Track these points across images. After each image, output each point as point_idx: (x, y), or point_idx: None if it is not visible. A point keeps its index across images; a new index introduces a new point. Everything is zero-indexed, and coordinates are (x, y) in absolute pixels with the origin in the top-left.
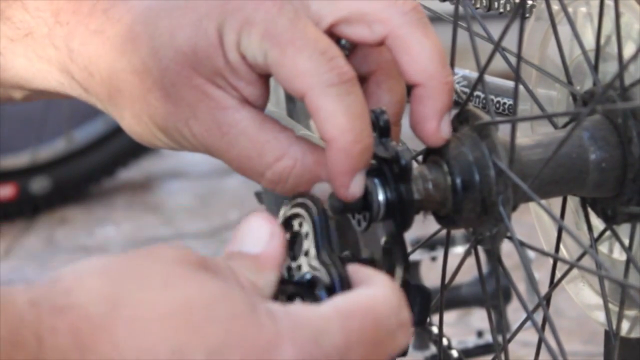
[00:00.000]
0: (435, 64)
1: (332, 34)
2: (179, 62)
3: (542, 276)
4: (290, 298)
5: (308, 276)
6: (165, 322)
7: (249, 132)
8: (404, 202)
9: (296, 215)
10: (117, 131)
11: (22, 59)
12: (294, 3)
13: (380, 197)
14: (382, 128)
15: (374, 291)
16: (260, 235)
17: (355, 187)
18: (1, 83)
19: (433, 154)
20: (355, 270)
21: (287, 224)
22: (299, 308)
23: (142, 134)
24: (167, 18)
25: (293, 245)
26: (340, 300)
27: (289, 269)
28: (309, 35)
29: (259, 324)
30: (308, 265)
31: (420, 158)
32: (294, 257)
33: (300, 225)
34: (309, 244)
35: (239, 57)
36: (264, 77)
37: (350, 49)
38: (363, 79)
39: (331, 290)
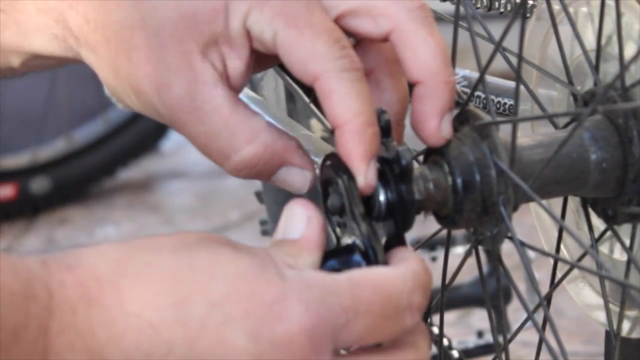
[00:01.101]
0: (438, 62)
1: (338, 26)
2: (176, 22)
3: (542, 276)
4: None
5: (348, 241)
6: (169, 278)
7: (222, 111)
8: (404, 202)
9: (331, 179)
10: (117, 131)
11: (22, 15)
12: None
13: (381, 197)
14: (383, 128)
15: (392, 270)
16: (298, 221)
17: (371, 175)
18: (1, 46)
19: (434, 154)
20: (396, 250)
21: (327, 183)
22: (313, 272)
23: (116, 90)
24: None
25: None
26: (356, 272)
27: (338, 224)
28: (325, 22)
29: (266, 281)
30: (349, 225)
31: (421, 158)
32: (340, 213)
33: (337, 185)
34: (347, 205)
35: (241, 28)
36: (254, 57)
37: (352, 45)
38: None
39: (366, 256)
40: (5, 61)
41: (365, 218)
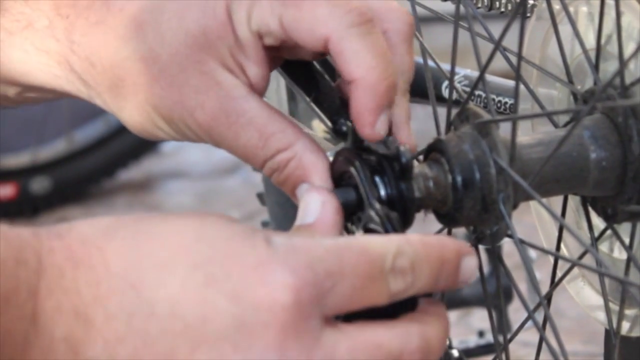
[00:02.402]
0: (372, 60)
1: (284, 35)
2: (189, 46)
3: (543, 276)
4: None
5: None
6: (154, 242)
7: (257, 123)
8: (404, 199)
9: (344, 172)
10: (117, 132)
11: (19, 52)
12: None
13: (382, 194)
14: None
15: (375, 237)
16: (312, 206)
17: (381, 126)
18: None
19: (434, 152)
20: None
21: (339, 178)
22: (301, 238)
23: (144, 125)
24: (173, 1)
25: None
26: (341, 238)
27: (359, 219)
28: None
29: (252, 245)
30: (364, 214)
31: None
32: (354, 208)
33: (350, 177)
34: (361, 189)
35: (249, 33)
36: (269, 58)
37: None
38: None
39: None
40: (1, 92)
41: (380, 199)
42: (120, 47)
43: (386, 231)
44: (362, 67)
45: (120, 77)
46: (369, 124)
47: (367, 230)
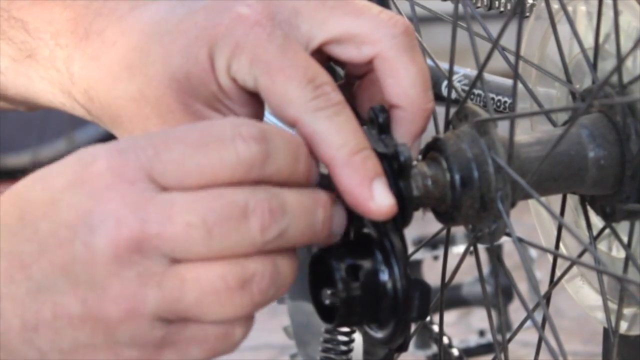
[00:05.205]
0: (417, 90)
1: (321, 51)
2: (175, 89)
3: (542, 276)
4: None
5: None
6: None
7: None
8: (403, 198)
9: None
10: None
11: (24, 79)
12: (282, 26)
13: None
14: (382, 124)
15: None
16: None
17: (379, 196)
18: (4, 99)
19: (432, 151)
20: None
21: None
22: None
23: None
24: (158, 44)
25: None
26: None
27: (357, 219)
28: (298, 63)
29: None
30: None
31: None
32: None
33: None
34: None
35: (229, 81)
36: (257, 97)
37: None
38: (361, 77)
39: (382, 246)
40: (12, 107)
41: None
42: (112, 85)
43: (383, 249)
44: (332, 147)
45: (117, 114)
46: (366, 198)
47: (362, 235)
